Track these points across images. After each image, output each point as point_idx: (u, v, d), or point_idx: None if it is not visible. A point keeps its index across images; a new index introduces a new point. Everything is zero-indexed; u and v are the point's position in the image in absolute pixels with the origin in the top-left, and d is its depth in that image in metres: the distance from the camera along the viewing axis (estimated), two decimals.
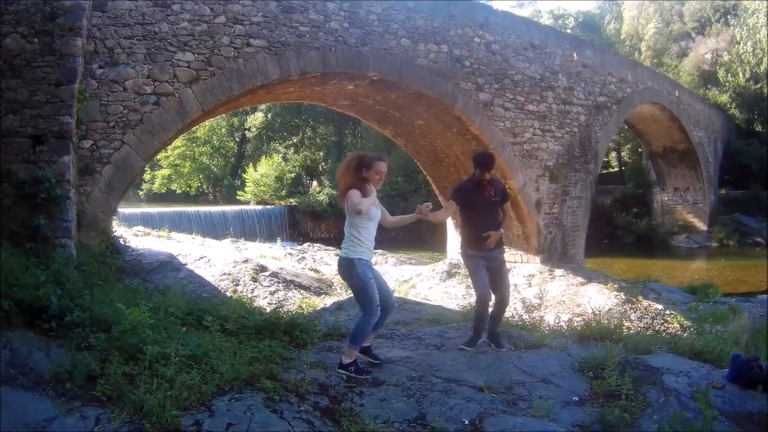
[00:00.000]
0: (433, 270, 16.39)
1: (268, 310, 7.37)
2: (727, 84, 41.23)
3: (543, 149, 16.65)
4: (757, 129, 39.47)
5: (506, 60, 15.37)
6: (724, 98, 40.80)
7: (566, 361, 5.45)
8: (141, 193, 50.38)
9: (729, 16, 48.08)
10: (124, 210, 21.72)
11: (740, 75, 40.53)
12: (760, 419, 4.03)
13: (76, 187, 7.66)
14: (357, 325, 4.97)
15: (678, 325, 10.38)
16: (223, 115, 37.02)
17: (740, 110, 40.55)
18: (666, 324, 10.54)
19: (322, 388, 4.46)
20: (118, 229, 13.95)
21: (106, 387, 3.79)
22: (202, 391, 3.93)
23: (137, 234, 16.29)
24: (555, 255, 17.10)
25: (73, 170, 7.18)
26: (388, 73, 12.57)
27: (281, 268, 13.30)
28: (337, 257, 5.28)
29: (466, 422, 4.07)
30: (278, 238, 25.76)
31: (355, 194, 4.86)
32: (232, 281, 11.85)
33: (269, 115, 43.15)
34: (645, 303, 13.22)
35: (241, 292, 11.19)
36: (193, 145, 45.92)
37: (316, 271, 14.67)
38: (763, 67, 39.59)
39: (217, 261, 12.87)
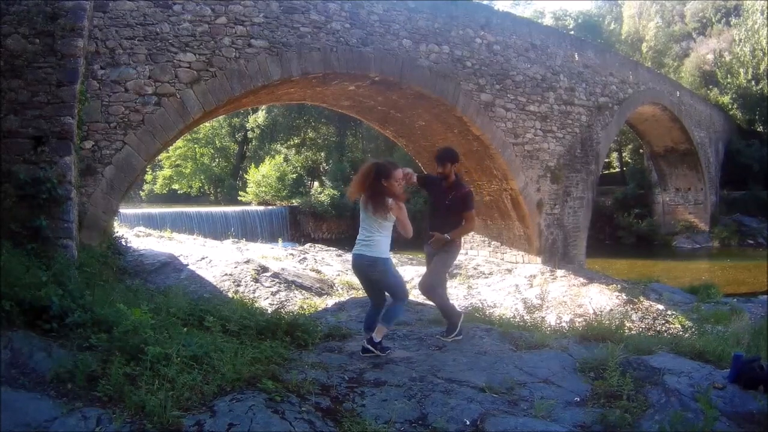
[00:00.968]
0: None
1: (270, 310, 7.37)
2: (727, 85, 41.21)
3: (544, 150, 16.65)
4: (758, 129, 39.43)
5: (508, 60, 15.37)
6: (726, 99, 40.79)
7: (567, 362, 5.45)
8: (142, 193, 50.43)
9: (730, 17, 48.07)
10: (125, 210, 21.72)
11: (741, 75, 40.49)
12: (761, 419, 4.02)
13: (78, 188, 7.67)
14: (394, 309, 5.58)
15: (679, 326, 10.36)
16: (225, 115, 37.05)
17: (741, 111, 40.52)
18: (667, 324, 10.52)
19: (323, 389, 4.45)
20: (120, 230, 13.96)
21: (107, 387, 3.79)
22: (204, 392, 3.93)
23: (138, 234, 16.28)
24: (556, 255, 17.09)
25: (75, 171, 7.19)
26: (389, 74, 12.58)
27: (283, 269, 13.29)
28: (357, 256, 5.58)
29: (468, 423, 4.06)
30: (279, 239, 25.74)
31: (404, 207, 5.44)
32: (234, 282, 11.83)
33: (270, 116, 43.16)
34: (646, 303, 13.19)
35: (243, 292, 11.17)
36: (195, 145, 45.99)
37: (317, 271, 14.65)
38: (763, 68, 39.56)
39: (218, 262, 12.86)
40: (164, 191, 48.44)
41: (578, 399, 4.66)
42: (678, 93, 28.46)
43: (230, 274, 12.13)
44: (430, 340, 6.21)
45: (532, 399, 4.56)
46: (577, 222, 18.06)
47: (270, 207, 35.65)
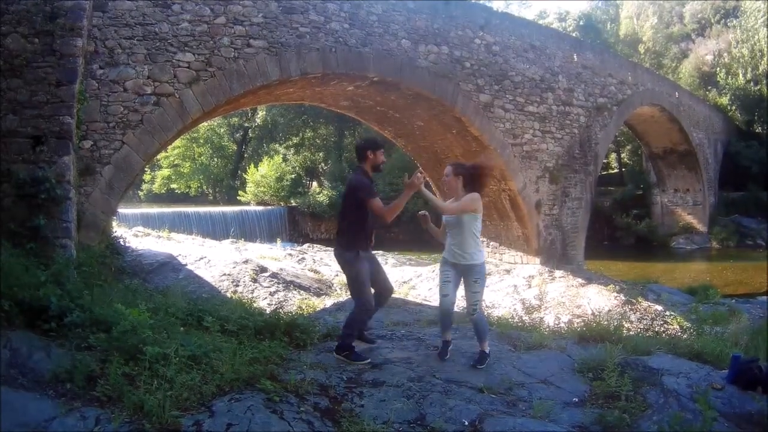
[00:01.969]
0: (433, 271, 16.37)
1: (268, 310, 7.37)
2: (726, 86, 41.25)
3: (543, 150, 16.66)
4: (757, 130, 39.47)
5: (506, 61, 15.38)
6: (724, 100, 40.84)
7: (566, 362, 5.45)
8: (141, 193, 50.43)
9: (729, 18, 48.12)
10: (124, 210, 21.74)
11: (740, 76, 40.54)
12: (760, 420, 4.03)
13: (77, 188, 7.66)
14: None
15: (678, 327, 10.37)
16: (223, 115, 37.02)
17: (740, 112, 40.56)
18: (666, 325, 10.53)
19: (322, 389, 4.46)
20: (118, 230, 13.97)
21: (106, 387, 3.78)
22: (202, 392, 3.93)
23: (137, 234, 16.29)
24: (555, 256, 17.10)
25: (74, 170, 7.18)
26: (388, 74, 12.58)
27: (281, 269, 13.30)
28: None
29: (466, 423, 4.07)
30: (278, 239, 25.75)
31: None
32: (232, 282, 11.84)
33: (269, 116, 43.15)
34: (645, 304, 13.22)
35: (241, 292, 11.18)
36: (194, 145, 45.96)
37: (315, 271, 14.66)
38: (762, 69, 39.61)
39: (217, 262, 12.87)
40: (163, 191, 48.41)
41: (577, 399, 4.66)
42: (677, 94, 28.48)
43: (229, 274, 12.14)
44: (428, 341, 6.22)
45: (531, 399, 4.57)
46: (576, 223, 18.07)
47: (269, 207, 35.65)
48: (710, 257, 29.84)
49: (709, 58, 45.34)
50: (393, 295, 6.50)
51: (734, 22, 45.98)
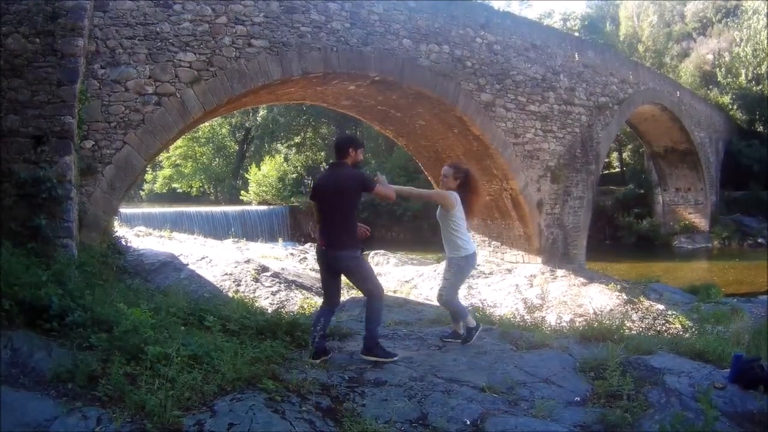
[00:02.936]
0: (435, 270, 16.37)
1: (270, 310, 7.37)
2: (727, 85, 41.19)
3: (544, 150, 16.65)
4: (758, 130, 39.43)
5: (508, 60, 15.37)
6: (726, 99, 40.77)
7: (568, 362, 5.44)
8: (142, 193, 50.52)
9: (731, 17, 48.04)
10: (125, 210, 21.73)
11: (741, 76, 40.47)
12: (762, 419, 4.02)
13: (78, 187, 7.67)
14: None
15: (679, 326, 10.35)
16: (225, 114, 37.05)
17: (741, 111, 40.50)
18: (667, 324, 10.50)
19: (323, 388, 4.45)
20: (120, 230, 13.96)
21: (107, 387, 3.78)
22: (204, 392, 3.92)
23: (139, 234, 16.30)
24: (556, 255, 17.09)
25: (75, 170, 7.19)
26: (389, 74, 12.58)
27: (283, 269, 13.30)
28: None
29: (468, 422, 4.06)
30: (280, 239, 25.77)
31: None
32: (234, 281, 11.84)
33: (270, 116, 43.17)
34: (646, 303, 13.16)
35: (243, 292, 11.18)
36: (195, 145, 45.99)
37: (317, 271, 14.64)
38: (764, 68, 39.54)
39: (218, 261, 12.87)
40: (164, 191, 48.47)
41: (578, 399, 4.65)
42: (678, 93, 28.46)
43: (230, 274, 12.14)
44: (430, 340, 6.21)
45: (533, 399, 4.56)
46: (578, 222, 18.06)
47: (270, 207, 35.66)
48: (712, 256, 29.80)
49: (711, 57, 45.27)
50: (395, 295, 6.54)
51: (735, 21, 45.89)
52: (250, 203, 38.04)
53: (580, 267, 17.55)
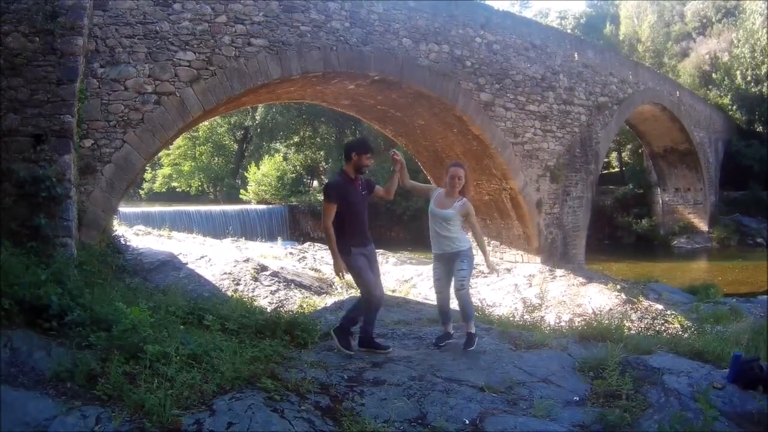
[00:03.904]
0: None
1: (269, 309, 7.37)
2: (724, 86, 41.20)
3: (544, 149, 16.65)
4: (757, 130, 39.40)
5: (507, 60, 15.38)
6: (725, 99, 40.77)
7: (567, 361, 5.45)
8: (142, 192, 50.45)
9: (731, 17, 48.02)
10: (124, 209, 21.72)
11: (738, 77, 40.45)
12: (761, 419, 4.03)
13: (77, 186, 7.67)
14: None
15: (679, 326, 10.37)
16: (224, 114, 37.02)
17: (741, 111, 40.52)
18: (666, 324, 10.53)
19: (322, 388, 4.45)
20: (119, 229, 13.95)
21: (106, 386, 3.78)
22: (203, 391, 3.92)
23: (138, 233, 16.28)
24: (555, 255, 17.10)
25: (74, 169, 7.19)
26: (389, 73, 12.58)
27: (282, 268, 13.29)
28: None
29: (467, 422, 4.06)
30: (279, 238, 25.76)
31: None
32: (233, 281, 11.83)
33: (270, 115, 43.14)
34: (645, 303, 13.21)
35: (242, 291, 11.17)
36: (195, 143, 45.97)
37: (316, 270, 14.65)
38: (764, 69, 39.52)
39: (217, 260, 12.86)
40: (163, 190, 48.43)
41: (577, 398, 4.66)
42: (678, 93, 28.47)
43: (229, 273, 12.13)
44: (429, 339, 6.22)
45: (532, 398, 4.56)
46: (577, 222, 18.07)
47: (269, 206, 35.63)
48: (711, 256, 29.82)
49: (709, 57, 45.25)
50: (394, 294, 6.55)
51: (734, 21, 45.87)
52: (249, 202, 38.00)
53: (579, 267, 17.55)
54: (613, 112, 19.75)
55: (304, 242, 22.15)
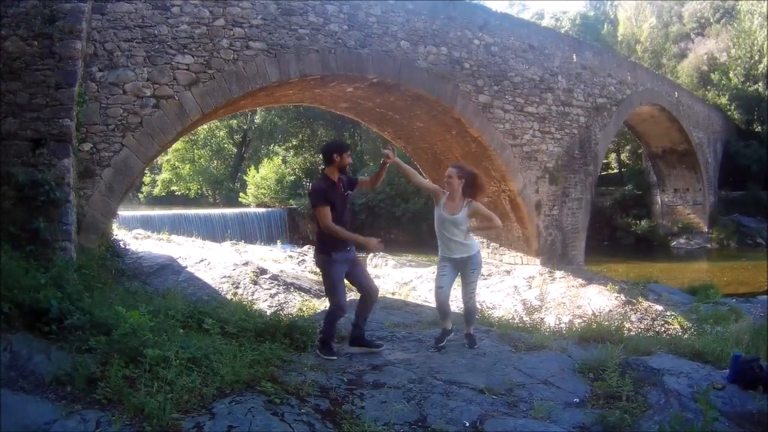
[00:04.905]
0: (434, 272, 16.35)
1: (269, 312, 7.36)
2: (722, 86, 41.24)
3: (543, 151, 16.66)
4: (756, 130, 39.44)
5: (506, 62, 15.39)
6: (724, 99, 40.83)
7: (567, 363, 5.44)
8: (141, 196, 50.44)
9: (729, 17, 48.06)
10: (123, 213, 21.70)
11: (734, 78, 40.49)
12: (761, 419, 4.02)
13: (76, 190, 7.66)
14: None
15: (678, 326, 10.35)
16: (223, 117, 37.03)
17: (739, 111, 40.56)
18: (666, 325, 10.51)
19: (322, 391, 4.45)
20: (118, 232, 13.96)
21: (106, 390, 3.78)
22: (203, 394, 3.92)
23: (137, 237, 16.27)
24: (555, 257, 17.10)
25: (73, 173, 7.18)
26: (387, 76, 12.58)
27: (281, 271, 13.30)
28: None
29: (467, 424, 4.06)
30: (278, 241, 25.75)
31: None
32: (233, 284, 11.84)
33: (268, 118, 43.16)
34: (645, 304, 13.20)
35: (242, 294, 11.18)
36: (193, 147, 45.97)
37: (316, 273, 14.63)
38: (761, 68, 39.59)
39: (217, 264, 12.86)
40: (163, 193, 48.43)
41: (577, 400, 4.66)
42: (676, 93, 28.50)
43: (229, 276, 12.13)
44: (429, 342, 6.21)
45: (532, 400, 4.56)
46: (576, 223, 18.07)
47: (269, 209, 35.62)
48: (710, 257, 29.84)
49: (707, 57, 45.29)
50: (393, 297, 6.54)
51: (732, 22, 45.91)
52: (248, 205, 38.02)
53: (579, 268, 17.56)
54: (612, 113, 19.77)
55: (303, 245, 22.15)
